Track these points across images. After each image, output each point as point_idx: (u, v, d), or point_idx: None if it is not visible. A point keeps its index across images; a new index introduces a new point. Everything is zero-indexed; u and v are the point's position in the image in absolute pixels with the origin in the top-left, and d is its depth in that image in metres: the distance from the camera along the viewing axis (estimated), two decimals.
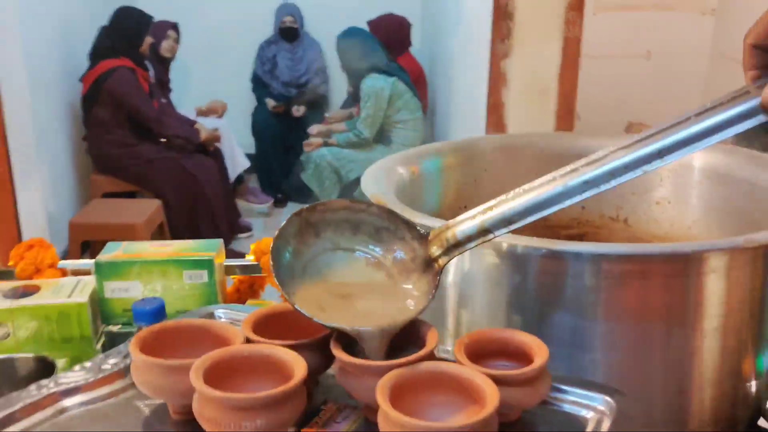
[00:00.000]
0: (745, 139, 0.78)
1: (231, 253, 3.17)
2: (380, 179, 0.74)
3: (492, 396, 0.45)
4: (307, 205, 0.57)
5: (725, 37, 3.88)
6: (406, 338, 0.54)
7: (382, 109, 3.27)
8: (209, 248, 0.95)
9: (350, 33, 3.39)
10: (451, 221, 0.57)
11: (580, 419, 0.52)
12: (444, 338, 0.69)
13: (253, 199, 3.89)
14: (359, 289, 0.56)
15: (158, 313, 0.70)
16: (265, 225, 3.79)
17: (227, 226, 3.32)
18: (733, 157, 0.80)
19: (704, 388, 0.64)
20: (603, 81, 3.38)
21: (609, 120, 4.10)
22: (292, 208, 4.03)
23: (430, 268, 0.56)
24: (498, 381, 0.47)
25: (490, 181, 0.89)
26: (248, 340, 0.54)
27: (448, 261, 0.56)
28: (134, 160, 3.17)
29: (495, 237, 0.56)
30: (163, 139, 3.24)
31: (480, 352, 0.52)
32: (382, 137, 3.38)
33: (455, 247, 0.56)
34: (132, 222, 2.80)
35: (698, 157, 0.83)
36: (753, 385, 0.67)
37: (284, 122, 4.03)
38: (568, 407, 0.53)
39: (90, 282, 0.92)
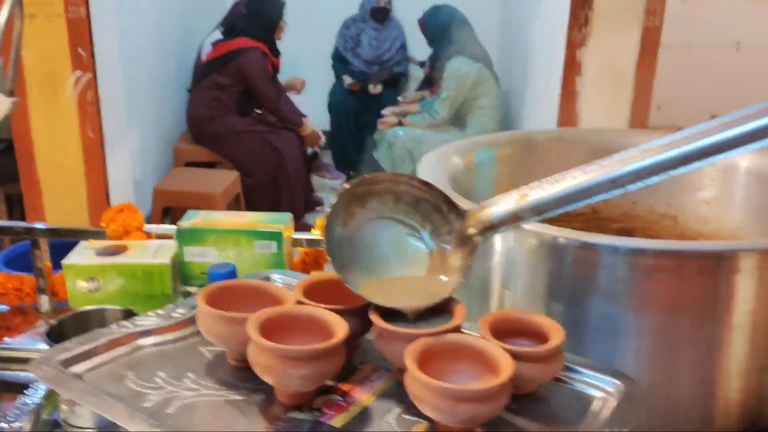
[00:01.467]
0: None
1: (303, 227, 3.29)
2: (435, 167, 0.80)
3: (508, 367, 0.51)
4: (354, 180, 0.62)
5: None
6: (437, 309, 0.61)
7: (462, 93, 3.30)
8: (279, 221, 1.03)
9: (442, 10, 3.42)
10: (486, 202, 0.62)
11: (587, 397, 0.58)
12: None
13: (326, 174, 4.01)
14: (399, 262, 0.63)
15: (230, 275, 0.78)
16: None
17: (302, 201, 3.45)
18: None
19: (731, 380, 0.67)
20: (687, 72, 3.30)
21: (691, 112, 3.99)
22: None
23: (466, 244, 0.62)
24: (515, 356, 0.53)
25: (544, 173, 0.93)
26: (299, 303, 0.61)
27: (484, 242, 0.62)
28: (226, 129, 3.33)
29: (525, 224, 0.62)
30: (258, 111, 3.38)
31: (502, 331, 0.58)
32: (457, 121, 3.41)
33: (489, 228, 0.61)
34: (211, 191, 2.94)
35: (745, 158, 0.85)
36: None
37: (360, 100, 4.10)
38: (578, 386, 0.59)
39: (172, 246, 1.02)
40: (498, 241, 0.72)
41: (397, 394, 0.58)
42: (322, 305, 0.60)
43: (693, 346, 0.67)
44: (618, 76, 2.40)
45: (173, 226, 1.05)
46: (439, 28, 3.34)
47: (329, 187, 3.99)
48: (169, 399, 0.57)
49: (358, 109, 4.09)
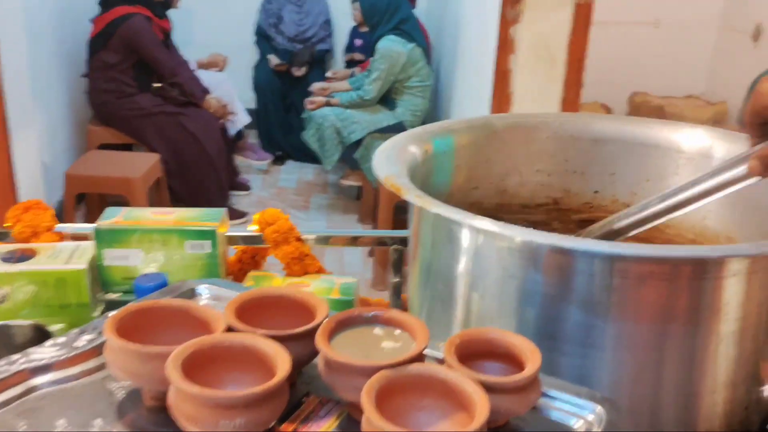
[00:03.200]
0: None
1: (230, 212, 3.15)
2: (392, 159, 0.72)
3: (482, 407, 0.43)
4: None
5: (735, 10, 3.82)
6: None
7: (393, 74, 3.22)
8: (212, 217, 0.93)
9: None
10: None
11: (566, 428, 0.51)
12: (451, 326, 0.68)
13: (252, 155, 3.85)
14: None
15: (161, 288, 0.68)
16: (263, 182, 3.76)
17: (226, 184, 3.29)
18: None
19: (717, 391, 0.62)
20: (608, 49, 3.33)
21: (613, 89, 4.06)
22: (292, 166, 4.00)
23: None
24: (488, 388, 0.46)
25: (503, 161, 0.87)
26: (230, 328, 0.52)
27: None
28: (133, 111, 3.12)
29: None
30: (157, 84, 3.17)
31: (470, 353, 0.51)
32: (387, 101, 3.33)
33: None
34: (129, 176, 2.77)
35: (719, 147, 0.81)
36: (767, 390, 0.66)
37: (286, 79, 3.97)
38: (556, 414, 0.52)
39: (89, 248, 0.90)
40: (466, 240, 0.65)
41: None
42: (259, 331, 0.51)
43: (677, 356, 0.61)
44: (551, 53, 2.38)
45: (90, 226, 0.93)
46: (373, 5, 3.23)
47: (255, 168, 3.85)
48: None
49: (285, 88, 3.96)
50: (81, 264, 0.87)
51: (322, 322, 0.52)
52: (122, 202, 2.70)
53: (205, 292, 0.67)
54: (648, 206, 0.71)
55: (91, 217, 3.01)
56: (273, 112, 3.97)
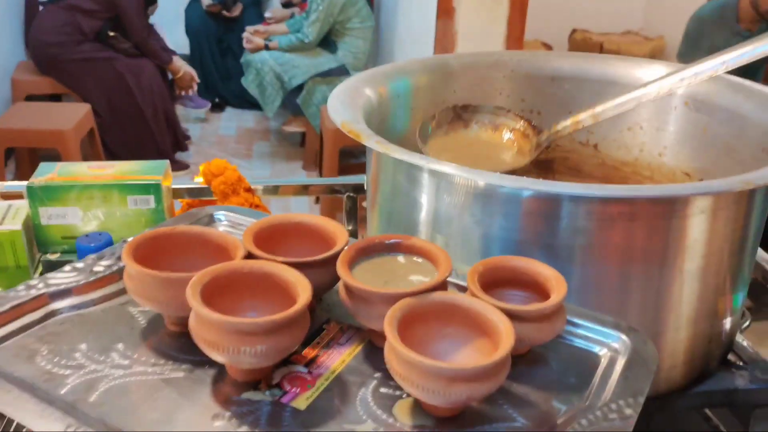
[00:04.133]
0: None
1: (171, 164, 3.04)
2: (347, 104, 0.68)
3: (507, 335, 0.41)
4: (460, 105, 0.79)
5: None
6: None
7: (332, 15, 3.12)
8: (155, 170, 0.88)
9: None
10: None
11: (592, 356, 0.50)
12: None
13: (189, 103, 3.72)
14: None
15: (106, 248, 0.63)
16: (202, 131, 3.65)
17: (170, 138, 3.15)
18: (715, 84, 0.77)
19: (681, 327, 0.62)
20: None
21: (554, 27, 4.06)
22: (231, 113, 3.89)
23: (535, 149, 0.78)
24: (512, 316, 0.44)
25: (459, 102, 0.84)
26: (249, 254, 0.50)
27: (544, 145, 0.79)
28: (76, 56, 2.95)
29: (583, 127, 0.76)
30: (112, 33, 3.00)
31: (494, 281, 0.49)
32: (328, 43, 3.24)
33: (555, 134, 0.78)
34: (61, 128, 2.63)
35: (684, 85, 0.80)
36: (728, 322, 0.66)
37: (221, 21, 3.82)
38: (579, 342, 0.51)
39: (23, 207, 0.84)
40: (428, 186, 0.62)
41: (371, 359, 0.48)
42: (279, 258, 0.48)
43: (642, 296, 0.61)
44: None
45: (22, 183, 0.87)
46: None
47: (193, 117, 3.73)
48: (92, 381, 0.44)
49: (220, 31, 3.80)
50: (15, 224, 0.81)
51: (342, 250, 0.50)
52: (53, 156, 2.58)
53: (222, 218, 0.65)
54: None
55: (20, 174, 2.87)
56: (209, 57, 3.83)
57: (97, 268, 0.56)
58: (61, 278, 0.54)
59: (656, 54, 3.87)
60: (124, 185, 0.84)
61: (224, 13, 3.77)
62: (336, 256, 0.50)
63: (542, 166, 0.92)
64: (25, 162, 2.85)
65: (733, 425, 0.72)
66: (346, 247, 0.51)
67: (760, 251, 0.90)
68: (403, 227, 0.67)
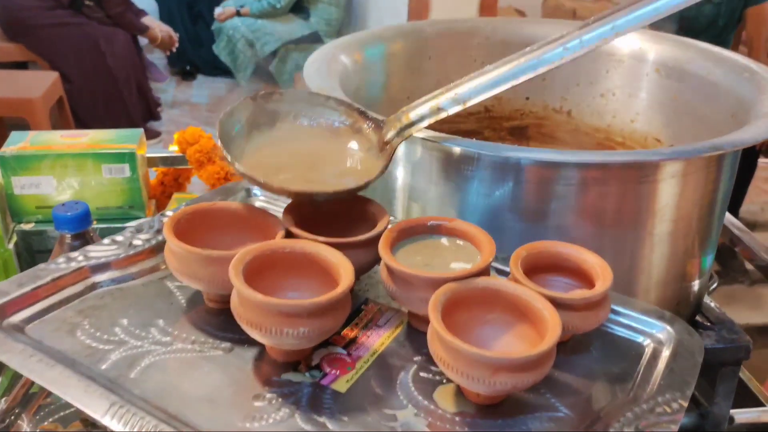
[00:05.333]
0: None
1: (146, 133, 2.98)
2: (323, 71, 0.68)
3: (554, 325, 0.41)
4: (261, 91, 0.56)
5: None
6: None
7: None
8: (129, 139, 0.87)
9: None
10: (406, 107, 0.56)
11: (635, 345, 0.49)
12: None
13: (149, 76, 3.65)
14: (312, 158, 0.56)
15: (83, 219, 0.63)
16: (174, 99, 3.60)
17: (141, 107, 3.09)
18: (686, 51, 0.78)
19: (651, 289, 0.64)
20: None
21: None
22: (202, 81, 3.83)
23: (384, 150, 0.56)
24: (557, 304, 0.43)
25: (435, 69, 0.84)
26: (288, 233, 0.50)
27: (401, 141, 0.56)
28: (47, 20, 2.86)
29: (448, 114, 0.56)
30: (87, 2, 2.92)
31: (536, 266, 0.49)
32: (300, 10, 3.20)
33: (408, 126, 0.56)
34: (29, 96, 2.57)
35: (650, 49, 0.81)
36: (696, 284, 0.68)
37: None
38: (622, 331, 0.50)
39: None
40: (401, 149, 0.63)
41: (411, 342, 0.48)
42: (320, 238, 0.48)
43: (613, 259, 0.61)
44: None
45: None
46: None
47: (163, 85, 3.66)
48: (133, 357, 0.45)
49: None
50: None
51: (383, 230, 0.50)
52: (21, 126, 2.53)
53: (259, 192, 0.65)
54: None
55: None
56: (179, 23, 3.75)
57: (135, 242, 0.56)
58: (101, 251, 0.54)
59: None
60: (98, 154, 0.84)
61: None
62: (378, 237, 0.49)
63: (516, 133, 0.93)
64: None
65: (700, 384, 0.75)
66: (387, 228, 0.50)
67: (729, 216, 0.92)
68: (379, 194, 0.68)
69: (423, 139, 0.59)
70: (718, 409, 0.69)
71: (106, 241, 0.55)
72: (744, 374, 0.77)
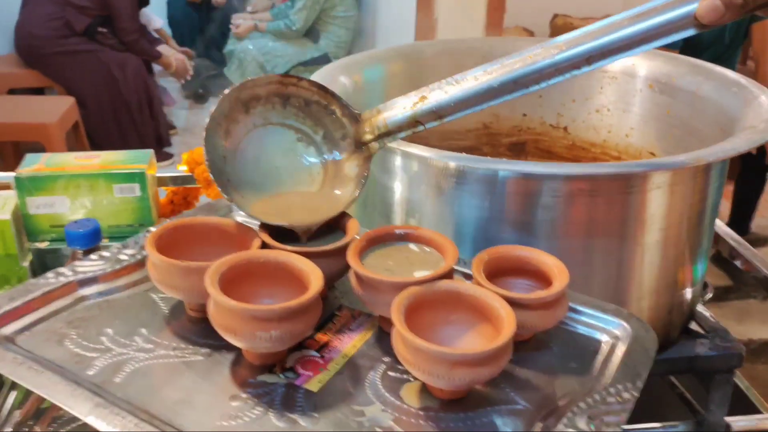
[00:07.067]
0: None
1: (162, 155, 3.03)
2: None
3: (509, 322, 0.44)
4: (232, 86, 0.56)
5: None
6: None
7: (319, 2, 3.12)
8: (139, 159, 0.90)
9: None
10: (382, 106, 0.58)
11: (593, 342, 0.52)
12: None
13: (167, 100, 3.71)
14: (290, 174, 0.57)
15: (93, 235, 0.66)
16: (187, 122, 3.65)
17: (154, 132, 3.14)
18: (676, 66, 0.81)
19: (643, 298, 0.66)
20: None
21: (535, 13, 4.07)
22: (214, 104, 3.89)
23: (361, 151, 0.57)
24: (515, 304, 0.46)
25: None
26: (264, 244, 0.52)
27: (379, 149, 0.57)
28: (62, 48, 2.93)
29: (425, 129, 0.57)
30: (102, 29, 2.99)
31: (498, 269, 0.51)
32: (311, 32, 3.25)
33: (386, 134, 0.57)
34: (45, 121, 2.63)
35: (642, 65, 0.83)
36: (689, 293, 0.70)
37: (203, 12, 3.81)
38: (582, 329, 0.53)
39: (11, 197, 0.87)
40: (398, 164, 0.65)
41: (380, 345, 0.51)
42: (292, 248, 0.51)
43: (605, 269, 0.64)
44: None
45: (10, 174, 0.89)
46: None
47: (174, 113, 3.72)
48: (118, 364, 0.47)
49: (202, 22, 3.80)
50: (4, 214, 0.83)
51: (352, 240, 0.53)
52: (38, 150, 2.57)
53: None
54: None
55: (5, 167, 2.86)
56: (191, 48, 3.83)
57: (121, 257, 0.58)
58: (89, 266, 0.57)
59: None
60: (109, 174, 0.87)
61: (213, 6, 3.77)
62: (346, 246, 0.52)
63: (515, 149, 0.95)
64: (9, 157, 2.85)
65: (698, 391, 0.76)
66: (357, 237, 0.53)
67: (727, 229, 0.94)
68: (378, 209, 0.70)
69: (418, 155, 0.61)
70: (713, 417, 0.71)
71: (93, 256, 0.58)
72: (742, 383, 0.78)
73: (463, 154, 0.62)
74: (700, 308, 0.75)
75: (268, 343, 0.45)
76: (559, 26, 4.15)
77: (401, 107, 0.57)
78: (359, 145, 0.57)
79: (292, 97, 0.57)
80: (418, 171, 0.65)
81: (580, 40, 0.54)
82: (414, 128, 0.57)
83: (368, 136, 0.57)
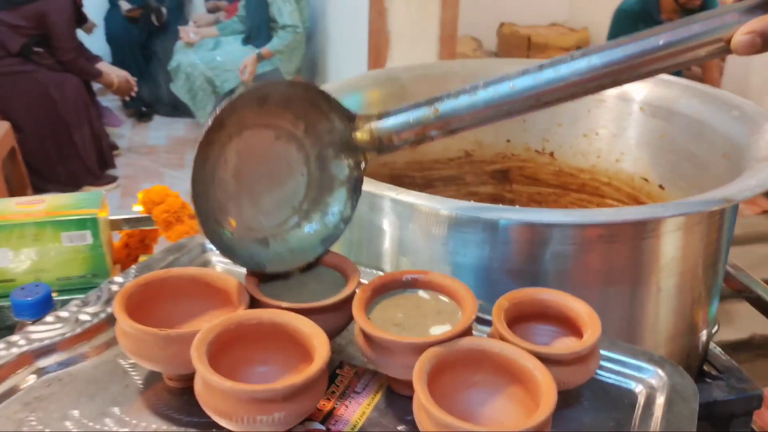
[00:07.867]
0: None
1: (106, 179, 2.88)
2: None
3: (548, 390, 0.38)
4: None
5: None
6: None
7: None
8: (90, 203, 0.81)
9: None
10: (384, 110, 0.51)
11: (627, 393, 0.46)
12: None
13: (113, 120, 3.55)
14: (272, 179, 0.50)
15: (44, 303, 0.58)
16: (130, 142, 3.51)
17: (95, 155, 2.99)
18: (668, 88, 0.76)
19: (660, 345, 0.61)
20: None
21: (482, 22, 4.08)
22: (160, 122, 3.76)
23: (352, 151, 0.50)
24: (545, 360, 0.40)
25: None
26: (253, 299, 0.45)
27: (377, 157, 0.51)
28: None
29: (432, 140, 0.51)
30: (37, 49, 2.83)
31: (520, 315, 0.46)
32: (260, 45, 3.14)
33: (387, 141, 0.50)
34: None
35: (632, 87, 0.78)
36: (704, 335, 0.65)
37: (143, 28, 3.68)
38: (611, 377, 0.47)
39: None
40: (390, 212, 0.59)
41: (392, 410, 0.44)
42: (286, 305, 0.44)
43: (619, 316, 0.59)
44: None
45: None
46: None
47: (117, 133, 3.57)
48: None
49: (142, 37, 3.66)
50: None
51: (354, 291, 0.46)
52: None
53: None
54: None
55: None
56: (132, 64, 3.68)
57: (82, 317, 0.50)
58: (44, 332, 0.48)
59: (582, 45, 3.93)
60: (57, 221, 0.78)
61: (153, 21, 3.63)
62: (350, 298, 0.46)
63: (498, 176, 0.90)
64: None
65: None
66: (360, 287, 0.46)
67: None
68: (365, 252, 0.63)
69: (410, 203, 0.55)
70: None
71: (49, 318, 0.50)
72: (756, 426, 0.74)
73: (457, 200, 0.56)
74: (710, 346, 0.71)
75: (270, 427, 0.38)
76: (506, 34, 4.16)
77: (410, 113, 0.51)
78: (351, 145, 0.50)
79: (268, 96, 0.48)
80: (411, 216, 0.58)
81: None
82: (421, 136, 0.51)
83: (363, 136, 0.50)
